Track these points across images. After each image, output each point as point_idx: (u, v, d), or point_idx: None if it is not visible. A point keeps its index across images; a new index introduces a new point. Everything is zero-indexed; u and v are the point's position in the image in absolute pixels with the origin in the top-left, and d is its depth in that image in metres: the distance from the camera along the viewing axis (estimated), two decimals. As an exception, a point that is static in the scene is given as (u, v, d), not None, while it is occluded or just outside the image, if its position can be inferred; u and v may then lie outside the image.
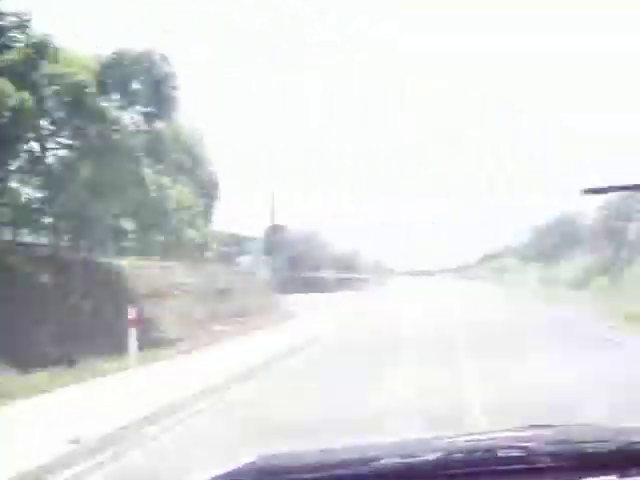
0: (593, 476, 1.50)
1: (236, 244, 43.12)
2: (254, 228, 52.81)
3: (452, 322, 19.55)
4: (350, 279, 50.77)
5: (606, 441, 1.63)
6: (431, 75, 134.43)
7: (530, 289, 41.57)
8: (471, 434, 1.78)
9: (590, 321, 19.82)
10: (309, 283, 45.24)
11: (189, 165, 18.55)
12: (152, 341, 13.56)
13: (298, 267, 49.82)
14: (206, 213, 21.40)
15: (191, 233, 16.54)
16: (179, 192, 15.77)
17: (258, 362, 12.03)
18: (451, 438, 1.73)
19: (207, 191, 22.28)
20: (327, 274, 49.70)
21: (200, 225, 17.47)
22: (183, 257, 20.38)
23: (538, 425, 1.82)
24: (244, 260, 38.97)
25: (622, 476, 1.49)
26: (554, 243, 58.86)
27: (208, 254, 21.80)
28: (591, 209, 51.84)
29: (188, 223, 16.26)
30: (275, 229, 51.28)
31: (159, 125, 14.51)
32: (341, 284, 47.89)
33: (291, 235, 49.98)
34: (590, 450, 1.60)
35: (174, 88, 14.12)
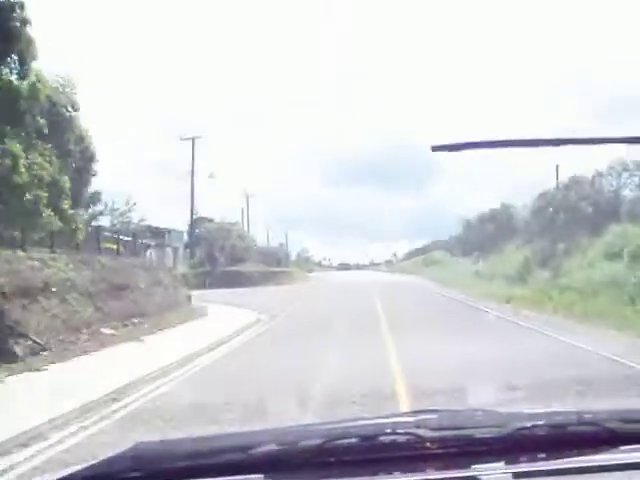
0: (481, 462, 1.45)
1: (156, 236, 39.59)
2: (180, 220, 49.62)
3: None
4: (276, 273, 48.00)
5: (494, 426, 1.58)
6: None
7: (458, 281, 39.69)
8: (353, 420, 1.74)
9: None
10: (232, 278, 42.14)
11: (55, 131, 14.79)
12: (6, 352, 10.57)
13: (222, 261, 46.70)
14: (77, 193, 17.82)
15: (52, 217, 12.88)
16: (39, 165, 12.02)
17: (122, 383, 8.84)
18: (331, 424, 1.69)
19: (80, 165, 18.75)
20: (252, 268, 46.80)
21: (65, 207, 13.74)
22: (69, 247, 17.13)
23: (423, 410, 1.76)
24: (158, 253, 35.33)
25: (511, 462, 1.46)
26: (489, 235, 58.25)
27: (85, 243, 18.01)
28: (528, 200, 52.49)
29: (50, 203, 12.62)
30: (197, 221, 47.87)
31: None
32: (267, 278, 45.06)
33: (216, 228, 46.92)
34: (478, 435, 1.55)
35: (24, 23, 10.45)
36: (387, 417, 1.76)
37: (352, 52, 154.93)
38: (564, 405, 6.09)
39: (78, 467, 1.51)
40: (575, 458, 1.47)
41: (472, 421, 1.67)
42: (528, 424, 1.56)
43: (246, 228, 63.30)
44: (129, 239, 25.56)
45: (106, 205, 34.36)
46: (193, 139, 44.74)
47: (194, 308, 22.66)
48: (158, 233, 41.25)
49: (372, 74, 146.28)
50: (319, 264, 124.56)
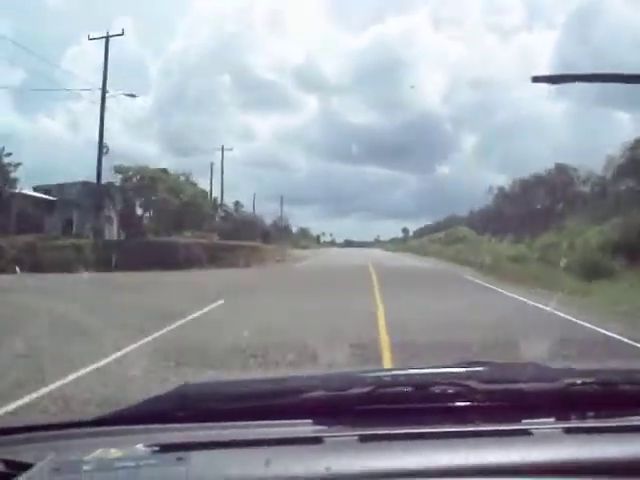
0: (531, 417, 1.45)
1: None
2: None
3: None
4: (234, 249, 32.61)
5: (545, 381, 1.60)
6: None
7: (512, 270, 24.23)
8: (401, 369, 1.78)
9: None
10: (159, 253, 27.47)
11: None
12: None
13: (151, 228, 32.31)
14: None
15: None
16: None
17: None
18: (381, 372, 1.70)
19: None
20: (195, 240, 31.60)
21: None
22: None
23: (473, 361, 1.74)
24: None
25: (561, 418, 1.46)
26: (534, 208, 43.93)
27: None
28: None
29: None
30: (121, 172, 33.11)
31: None
32: (216, 256, 29.82)
33: (139, 179, 31.81)
34: (529, 390, 1.54)
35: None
36: (438, 367, 1.71)
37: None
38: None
39: (123, 406, 1.52)
40: (625, 417, 1.45)
41: (523, 375, 1.66)
42: (579, 381, 1.55)
43: (226, 200, 48.84)
44: None
45: None
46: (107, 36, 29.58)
47: None
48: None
49: (381, 48, 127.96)
50: (317, 240, 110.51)
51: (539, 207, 45.38)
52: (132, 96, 30.50)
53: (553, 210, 43.04)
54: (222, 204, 53.67)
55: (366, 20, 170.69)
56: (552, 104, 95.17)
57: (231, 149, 56.34)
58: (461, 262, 32.28)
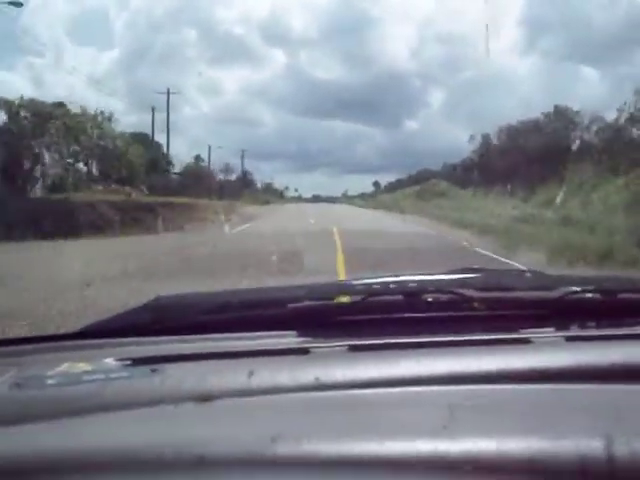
0: (530, 326, 1.40)
1: None
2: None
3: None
4: (164, 206, 25.16)
5: (543, 289, 1.57)
6: None
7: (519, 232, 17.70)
8: (393, 275, 1.59)
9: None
10: (55, 216, 20.18)
11: None
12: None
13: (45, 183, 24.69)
14: None
15: None
16: None
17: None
18: (370, 279, 1.57)
19: None
20: (106, 197, 24.02)
21: None
22: None
23: (468, 268, 1.69)
24: None
25: (561, 327, 1.42)
26: (530, 157, 37.63)
27: None
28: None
29: None
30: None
31: None
32: (135, 218, 22.52)
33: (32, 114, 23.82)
34: (526, 298, 1.53)
35: None
36: (429, 274, 1.66)
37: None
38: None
39: (96, 320, 1.48)
40: (627, 326, 1.41)
41: (520, 282, 1.63)
42: (578, 288, 1.53)
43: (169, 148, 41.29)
44: None
45: None
46: None
47: None
48: None
49: (347, 3, 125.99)
50: (281, 195, 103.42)
51: (533, 156, 38.81)
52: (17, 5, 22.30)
53: (551, 160, 36.49)
54: (166, 154, 46.03)
55: None
56: (520, 59, 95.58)
57: (176, 93, 48.56)
58: (450, 223, 25.54)
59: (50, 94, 74.21)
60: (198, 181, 49.28)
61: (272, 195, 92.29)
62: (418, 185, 66.39)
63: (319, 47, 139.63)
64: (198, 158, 72.33)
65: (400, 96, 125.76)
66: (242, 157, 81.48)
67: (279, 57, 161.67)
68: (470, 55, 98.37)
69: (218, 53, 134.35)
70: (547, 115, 41.42)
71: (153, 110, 44.55)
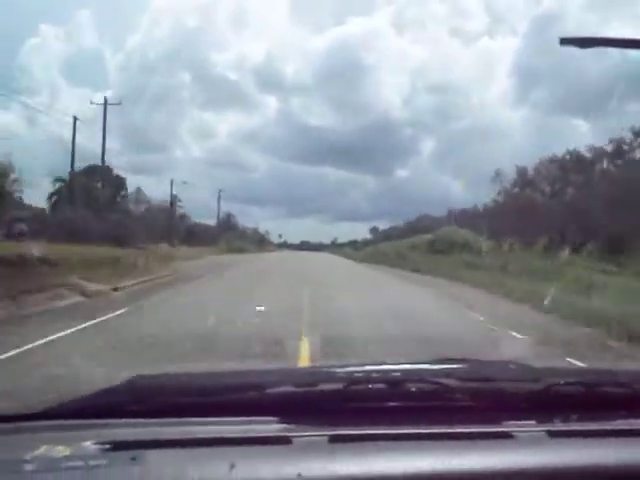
0: (512, 418, 1.38)
1: None
2: None
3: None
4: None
5: (526, 381, 1.54)
6: None
7: None
8: (377, 364, 1.63)
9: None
10: None
11: None
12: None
13: None
14: None
15: None
16: None
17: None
18: (353, 367, 1.57)
19: None
20: None
21: None
22: None
23: (452, 359, 1.67)
24: None
25: (543, 421, 1.40)
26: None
27: None
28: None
29: None
30: None
31: None
32: None
33: None
34: (509, 390, 1.49)
35: None
36: (413, 364, 1.65)
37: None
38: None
39: (71, 397, 1.40)
40: (609, 421, 1.40)
41: (503, 374, 1.59)
42: (561, 381, 1.51)
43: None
44: None
45: None
46: None
47: None
48: None
49: (342, 50, 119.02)
50: (261, 241, 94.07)
51: (608, 199, 26.63)
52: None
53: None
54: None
55: (327, 21, 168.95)
56: (511, 111, 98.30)
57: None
58: (536, 306, 13.10)
59: (44, 133, 73.75)
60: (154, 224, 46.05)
61: (247, 241, 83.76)
62: (418, 233, 55.44)
63: (311, 94, 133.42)
64: (175, 197, 69.38)
65: (392, 144, 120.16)
66: (219, 199, 74.78)
67: (271, 103, 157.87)
68: (462, 105, 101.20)
69: (211, 97, 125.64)
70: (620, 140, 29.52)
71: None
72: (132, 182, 77.25)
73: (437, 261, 30.28)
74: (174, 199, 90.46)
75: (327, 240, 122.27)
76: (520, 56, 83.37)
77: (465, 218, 59.57)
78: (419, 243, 45.74)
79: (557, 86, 76.25)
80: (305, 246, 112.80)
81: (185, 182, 65.46)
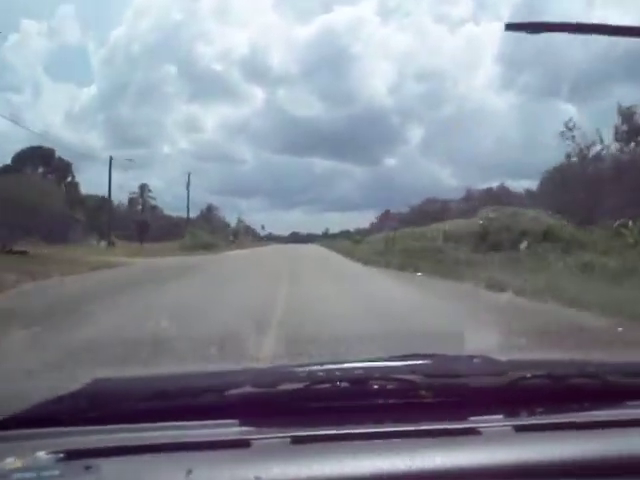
0: (478, 414, 1.36)
1: None
2: None
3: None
4: None
5: (492, 375, 1.49)
6: None
7: None
8: (338, 362, 1.56)
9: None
10: None
11: None
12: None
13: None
14: None
15: None
16: None
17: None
18: (315, 366, 1.51)
19: None
20: None
21: None
22: None
23: (417, 355, 1.58)
24: None
25: (510, 415, 1.38)
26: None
27: None
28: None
29: None
30: None
31: None
32: None
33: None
34: (475, 384, 1.46)
35: None
36: (377, 360, 1.60)
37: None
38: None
39: (27, 404, 1.34)
40: (577, 413, 1.39)
41: (469, 369, 1.54)
42: (528, 374, 1.47)
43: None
44: None
45: None
46: None
47: None
48: None
49: (328, 39, 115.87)
50: (235, 234, 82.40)
51: None
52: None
53: None
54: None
55: (312, 10, 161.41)
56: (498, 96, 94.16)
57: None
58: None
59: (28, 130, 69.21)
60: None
61: (219, 236, 73.25)
62: (427, 220, 43.69)
63: (298, 84, 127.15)
64: (144, 187, 67.83)
65: (380, 132, 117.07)
66: (188, 185, 66.91)
67: (258, 94, 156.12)
68: (449, 92, 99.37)
69: (196, 90, 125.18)
70: None
71: None
72: (119, 178, 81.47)
73: (542, 267, 16.26)
74: (144, 188, 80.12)
75: (318, 231, 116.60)
76: (506, 41, 78.33)
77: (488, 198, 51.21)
78: (435, 233, 31.99)
79: (544, 71, 74.43)
80: (294, 238, 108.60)
81: (131, 159, 53.85)
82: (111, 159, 50.40)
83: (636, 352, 6.03)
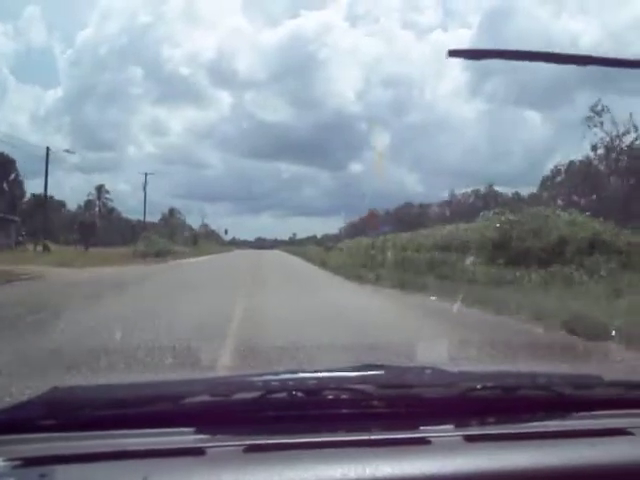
0: (429, 424, 1.36)
1: None
2: None
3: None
4: None
5: (444, 386, 1.50)
6: None
7: None
8: (293, 372, 1.61)
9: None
10: None
11: None
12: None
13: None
14: None
15: None
16: None
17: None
18: (269, 376, 1.53)
19: None
20: None
21: None
22: None
23: (369, 365, 1.60)
24: None
25: (460, 425, 1.37)
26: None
27: None
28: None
29: None
30: None
31: None
32: None
33: None
34: (426, 395, 1.47)
35: None
36: (330, 371, 1.61)
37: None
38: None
39: None
40: (526, 424, 1.39)
41: (420, 379, 1.56)
42: (478, 385, 1.47)
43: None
44: None
45: None
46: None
47: None
48: None
49: (295, 44, 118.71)
50: (195, 240, 76.74)
51: None
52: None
53: None
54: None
55: (280, 15, 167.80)
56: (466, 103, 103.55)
57: None
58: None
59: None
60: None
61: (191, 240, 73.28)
62: (405, 226, 39.07)
63: (265, 89, 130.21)
64: (101, 189, 69.13)
65: (347, 138, 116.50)
66: (145, 185, 59.87)
67: (225, 98, 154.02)
68: (416, 98, 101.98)
69: (163, 93, 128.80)
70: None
71: None
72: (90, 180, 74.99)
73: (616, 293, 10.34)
74: (100, 190, 76.66)
75: (285, 236, 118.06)
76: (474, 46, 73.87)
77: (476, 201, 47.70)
78: (429, 241, 26.19)
79: (510, 79, 74.52)
80: (260, 243, 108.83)
81: (70, 151, 47.12)
82: (48, 149, 43.63)
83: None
